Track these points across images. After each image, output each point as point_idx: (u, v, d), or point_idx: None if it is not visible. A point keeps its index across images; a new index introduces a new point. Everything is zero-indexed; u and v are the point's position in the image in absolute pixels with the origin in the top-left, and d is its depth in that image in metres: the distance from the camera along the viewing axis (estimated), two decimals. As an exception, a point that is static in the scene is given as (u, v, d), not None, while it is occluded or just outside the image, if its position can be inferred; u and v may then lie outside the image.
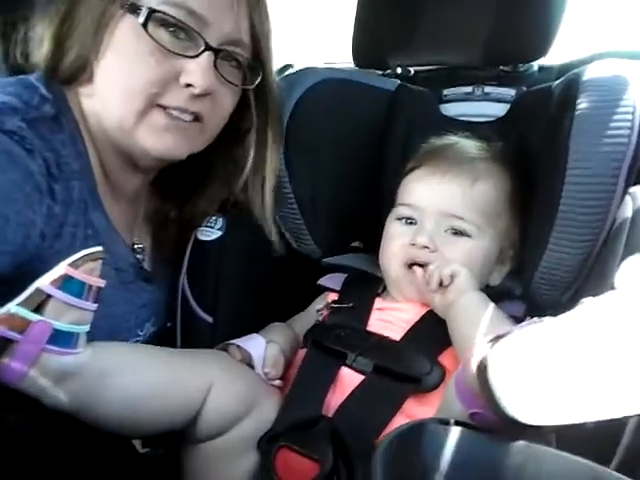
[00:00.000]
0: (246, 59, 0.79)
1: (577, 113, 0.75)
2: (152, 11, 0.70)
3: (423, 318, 0.80)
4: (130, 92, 0.72)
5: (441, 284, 0.78)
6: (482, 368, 0.49)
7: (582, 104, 0.76)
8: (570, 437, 0.41)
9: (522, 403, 0.45)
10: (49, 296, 0.56)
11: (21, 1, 0.88)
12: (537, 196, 0.83)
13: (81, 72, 0.74)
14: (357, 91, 1.00)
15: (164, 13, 0.70)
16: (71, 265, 0.56)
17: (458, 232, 0.82)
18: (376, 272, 0.90)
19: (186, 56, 0.72)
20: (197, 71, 0.72)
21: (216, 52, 0.74)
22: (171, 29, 0.72)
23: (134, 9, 0.70)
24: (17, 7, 0.80)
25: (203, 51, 0.72)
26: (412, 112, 1.01)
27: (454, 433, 0.42)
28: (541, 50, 0.99)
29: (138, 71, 0.71)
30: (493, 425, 0.48)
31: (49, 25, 0.74)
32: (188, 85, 0.73)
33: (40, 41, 0.75)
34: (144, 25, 0.70)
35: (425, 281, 0.79)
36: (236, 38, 0.76)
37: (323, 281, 0.94)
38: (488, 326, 0.70)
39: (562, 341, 0.44)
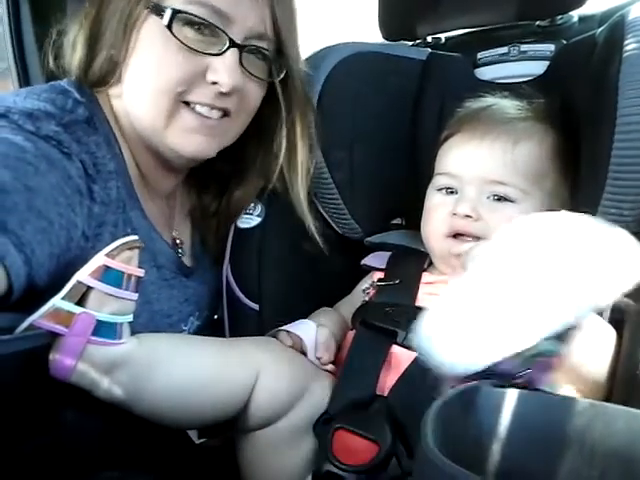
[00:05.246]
0: (270, 52, 0.78)
1: (625, 55, 0.70)
2: (176, 12, 0.70)
3: (474, 288, 0.77)
4: (157, 91, 0.72)
5: None
6: None
7: (630, 45, 0.70)
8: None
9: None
10: (89, 288, 0.57)
11: (55, 12, 0.90)
12: (586, 151, 0.78)
13: (111, 74, 0.75)
14: (388, 63, 0.97)
15: (188, 13, 0.70)
16: (108, 255, 0.57)
17: (501, 198, 0.78)
18: (420, 247, 0.87)
19: (211, 54, 0.72)
20: (223, 70, 0.72)
21: (240, 48, 0.73)
22: (196, 27, 0.72)
23: (158, 10, 0.71)
24: (52, 19, 0.81)
25: (228, 48, 0.72)
26: (446, 79, 0.97)
27: (510, 396, 0.39)
28: (580, -2, 0.93)
29: (165, 70, 0.72)
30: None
31: (80, 30, 0.76)
32: (214, 83, 0.73)
33: (73, 47, 0.77)
34: (168, 26, 0.70)
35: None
36: (260, 32, 0.75)
37: (367, 261, 0.92)
38: None
39: None
